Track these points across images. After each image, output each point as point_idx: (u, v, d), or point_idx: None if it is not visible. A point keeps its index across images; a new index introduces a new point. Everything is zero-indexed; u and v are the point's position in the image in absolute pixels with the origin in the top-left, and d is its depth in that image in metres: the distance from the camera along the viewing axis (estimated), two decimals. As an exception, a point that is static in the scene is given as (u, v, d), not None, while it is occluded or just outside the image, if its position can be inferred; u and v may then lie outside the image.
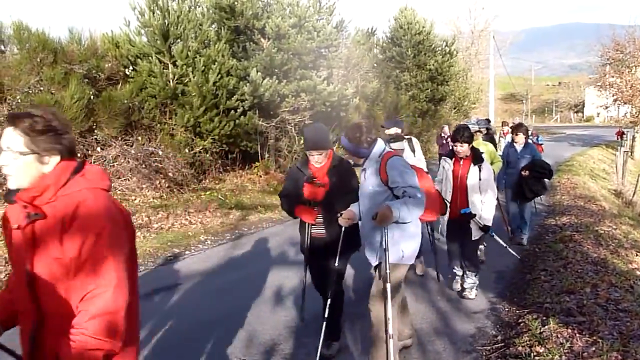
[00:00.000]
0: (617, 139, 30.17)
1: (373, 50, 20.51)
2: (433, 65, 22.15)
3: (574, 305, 4.68)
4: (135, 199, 9.63)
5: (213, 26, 12.36)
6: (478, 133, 6.89)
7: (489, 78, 31.17)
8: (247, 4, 12.38)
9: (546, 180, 7.73)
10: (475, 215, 5.13)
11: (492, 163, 6.81)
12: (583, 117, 67.85)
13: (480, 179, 5.13)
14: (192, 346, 4.28)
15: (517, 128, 7.94)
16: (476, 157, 5.22)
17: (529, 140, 10.09)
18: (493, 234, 5.54)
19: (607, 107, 31.49)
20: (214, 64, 11.03)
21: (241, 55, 12.48)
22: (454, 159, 5.32)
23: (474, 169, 5.17)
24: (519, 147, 7.65)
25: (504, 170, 7.79)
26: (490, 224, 5.21)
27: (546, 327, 4.22)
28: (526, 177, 7.25)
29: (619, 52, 29.35)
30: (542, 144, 14.29)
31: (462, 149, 5.15)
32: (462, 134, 5.12)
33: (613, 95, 29.23)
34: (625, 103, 29.19)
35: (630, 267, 6.36)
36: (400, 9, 22.25)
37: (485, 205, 5.17)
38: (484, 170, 5.16)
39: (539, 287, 5.54)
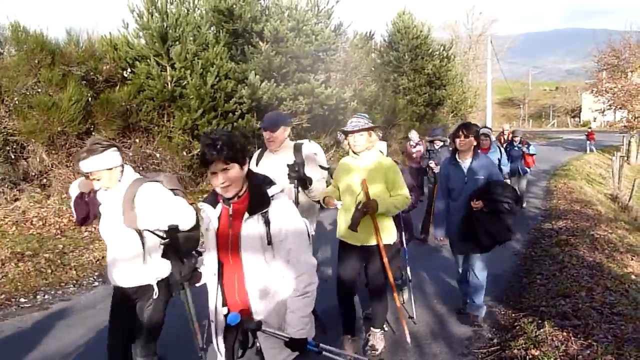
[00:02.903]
0: (587, 141, 30.29)
1: (371, 54, 20.55)
2: (431, 69, 22.21)
3: (570, 308, 4.71)
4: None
5: (211, 29, 12.37)
6: (358, 136, 3.94)
7: (487, 82, 31.27)
8: (246, 7, 12.40)
9: (509, 218, 4.50)
10: (259, 324, 2.41)
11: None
12: (580, 122, 68.09)
13: (270, 242, 2.42)
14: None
15: (459, 130, 4.68)
16: (254, 199, 2.46)
17: (496, 148, 8.09)
18: (319, 349, 2.54)
19: (603, 112, 31.68)
20: (212, 67, 11.04)
21: (239, 58, 12.50)
22: (220, 203, 2.56)
23: (249, 224, 2.43)
24: (464, 163, 4.67)
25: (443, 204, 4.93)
26: (305, 333, 2.47)
27: (542, 330, 4.25)
28: (478, 212, 4.46)
29: (614, 57, 29.55)
30: (534, 155, 11.12)
31: (217, 182, 2.40)
32: (216, 146, 2.31)
33: (609, 101, 29.42)
34: (620, 108, 29.34)
35: (626, 271, 6.40)
36: (398, 13, 22.31)
37: (291, 297, 2.48)
38: (275, 223, 2.43)
39: (535, 290, 5.57)
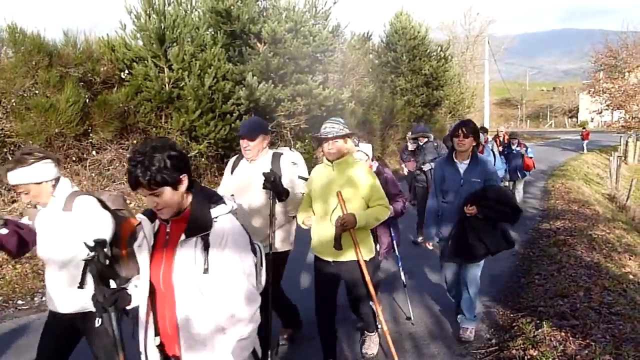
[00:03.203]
0: (583, 140, 30.15)
1: (368, 55, 20.61)
2: (428, 70, 22.25)
3: (568, 308, 4.71)
4: (130, 203, 9.60)
5: (209, 30, 12.38)
6: (333, 143, 3.57)
7: (484, 83, 31.31)
8: (244, 9, 12.40)
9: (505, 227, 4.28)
10: None
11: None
12: (577, 122, 68.30)
13: (206, 271, 2.07)
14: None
15: (458, 129, 4.30)
16: (193, 220, 2.10)
17: (489, 151, 7.59)
18: None
19: (600, 113, 31.75)
20: (210, 68, 11.04)
21: (237, 60, 12.50)
22: (157, 220, 2.24)
23: (185, 248, 2.10)
24: (462, 164, 4.36)
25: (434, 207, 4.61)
26: None
27: (540, 330, 4.25)
28: (472, 218, 4.14)
29: (611, 57, 29.63)
30: (532, 157, 10.85)
31: (150, 204, 2.10)
32: (141, 169, 2.00)
33: (606, 101, 29.48)
34: (617, 108, 29.41)
35: (624, 271, 6.41)
36: (395, 14, 22.36)
37: (225, 339, 2.12)
38: (216, 249, 2.08)
39: (533, 290, 5.58)
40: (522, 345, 4.09)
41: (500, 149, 10.81)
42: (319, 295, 3.83)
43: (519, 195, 10.76)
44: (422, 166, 7.81)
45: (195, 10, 12.34)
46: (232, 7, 12.39)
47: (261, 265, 2.32)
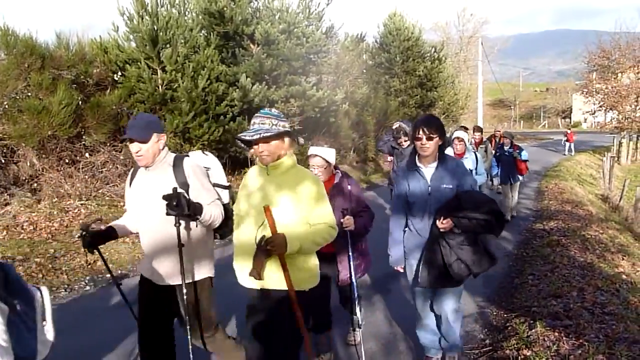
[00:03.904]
0: (563, 142, 29.17)
1: (362, 56, 20.62)
2: (422, 71, 22.31)
3: (561, 308, 4.73)
4: (124, 205, 9.57)
5: (202, 32, 12.36)
6: (264, 144, 2.80)
7: (478, 84, 31.42)
8: (237, 10, 12.40)
9: (490, 239, 3.59)
10: None
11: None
12: (570, 122, 68.67)
13: None
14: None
15: (419, 130, 3.44)
16: None
17: (470, 153, 6.82)
18: None
19: (593, 113, 31.88)
20: (203, 70, 11.03)
21: (230, 61, 12.49)
22: None
23: None
24: (427, 169, 3.56)
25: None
26: None
27: (533, 330, 4.26)
28: (447, 234, 3.40)
29: (604, 58, 29.78)
30: (526, 161, 9.91)
31: None
32: None
33: (599, 102, 29.60)
34: (610, 109, 29.55)
35: (616, 271, 6.44)
36: (389, 15, 22.41)
37: None
38: None
39: (526, 291, 5.60)
40: (515, 346, 4.10)
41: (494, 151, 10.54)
42: (249, 343, 3.00)
43: (513, 200, 10.12)
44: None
45: (188, 11, 12.32)
46: (225, 9, 12.39)
47: (43, 319, 1.70)
